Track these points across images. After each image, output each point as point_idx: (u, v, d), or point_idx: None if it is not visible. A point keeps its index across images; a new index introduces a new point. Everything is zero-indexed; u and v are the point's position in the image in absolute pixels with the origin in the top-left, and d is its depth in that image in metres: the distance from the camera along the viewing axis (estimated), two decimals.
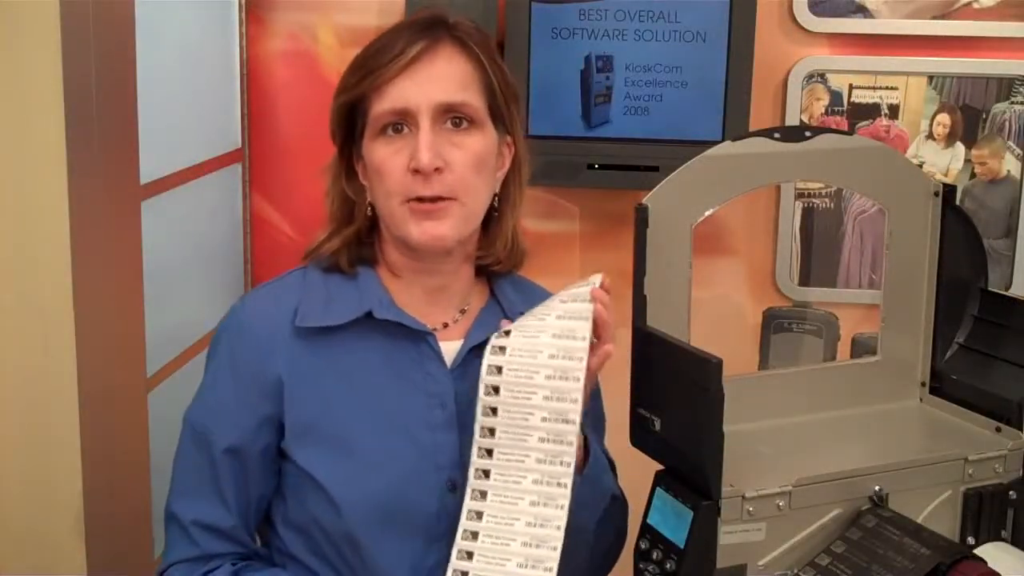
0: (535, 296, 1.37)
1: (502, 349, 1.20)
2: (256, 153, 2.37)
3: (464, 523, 1.20)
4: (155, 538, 1.88)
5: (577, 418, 1.18)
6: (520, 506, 1.19)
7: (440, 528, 1.27)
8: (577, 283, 1.25)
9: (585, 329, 1.19)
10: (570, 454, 1.18)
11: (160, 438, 1.87)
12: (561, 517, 1.18)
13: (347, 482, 1.26)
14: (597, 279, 1.23)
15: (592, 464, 1.28)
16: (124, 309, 1.75)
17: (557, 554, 1.17)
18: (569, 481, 1.18)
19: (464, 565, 1.19)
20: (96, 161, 1.61)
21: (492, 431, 1.20)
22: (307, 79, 2.34)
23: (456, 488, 1.27)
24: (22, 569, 1.58)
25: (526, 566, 1.17)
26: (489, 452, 1.20)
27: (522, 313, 1.29)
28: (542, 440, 1.19)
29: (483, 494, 1.20)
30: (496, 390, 1.19)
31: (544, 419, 1.18)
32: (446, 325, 1.33)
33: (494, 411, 1.19)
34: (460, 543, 1.20)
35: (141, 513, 1.83)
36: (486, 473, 1.20)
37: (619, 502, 1.41)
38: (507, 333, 1.21)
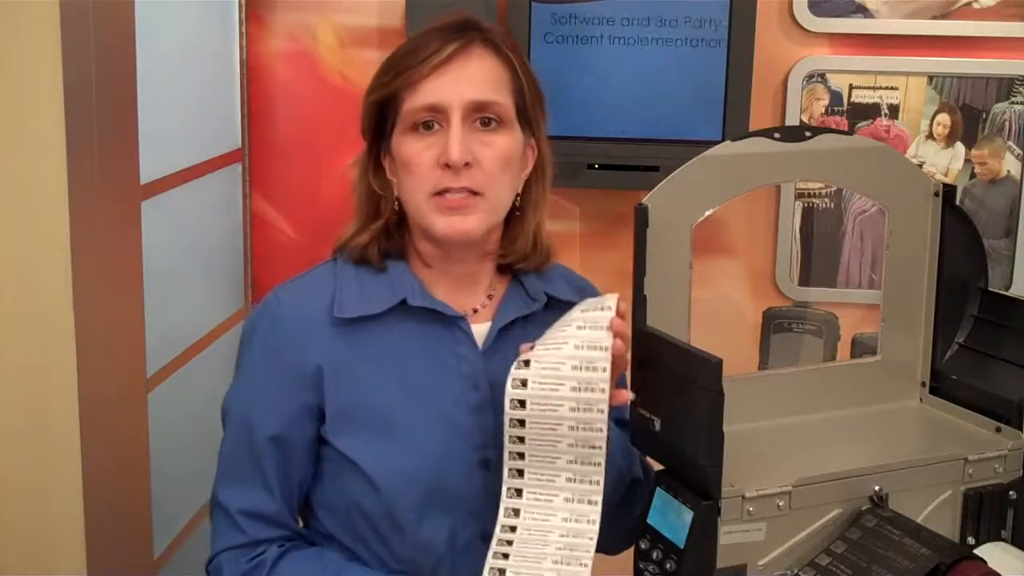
0: (554, 276, 1.42)
1: (523, 383, 1.22)
2: (256, 153, 2.38)
3: (495, 546, 1.23)
4: (155, 538, 1.88)
5: (603, 445, 1.22)
6: (552, 522, 1.23)
7: (474, 505, 1.31)
8: (592, 303, 1.26)
9: (605, 360, 1.21)
10: (599, 473, 1.22)
11: (160, 438, 1.87)
12: (591, 543, 1.22)
13: (388, 465, 1.29)
14: (612, 302, 1.24)
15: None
16: (124, 309, 1.75)
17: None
18: (599, 498, 1.23)
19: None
20: (96, 161, 1.61)
21: (521, 457, 1.24)
22: (307, 79, 2.34)
23: (490, 466, 1.31)
24: (22, 569, 1.58)
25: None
26: (519, 492, 1.24)
27: (546, 295, 1.38)
28: (570, 462, 1.22)
29: (512, 529, 1.24)
30: (522, 423, 1.22)
31: (571, 445, 1.22)
32: (476, 311, 1.37)
33: (521, 440, 1.23)
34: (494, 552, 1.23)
35: (141, 513, 1.83)
36: (516, 512, 1.24)
37: (641, 485, 1.42)
38: (526, 363, 1.22)
